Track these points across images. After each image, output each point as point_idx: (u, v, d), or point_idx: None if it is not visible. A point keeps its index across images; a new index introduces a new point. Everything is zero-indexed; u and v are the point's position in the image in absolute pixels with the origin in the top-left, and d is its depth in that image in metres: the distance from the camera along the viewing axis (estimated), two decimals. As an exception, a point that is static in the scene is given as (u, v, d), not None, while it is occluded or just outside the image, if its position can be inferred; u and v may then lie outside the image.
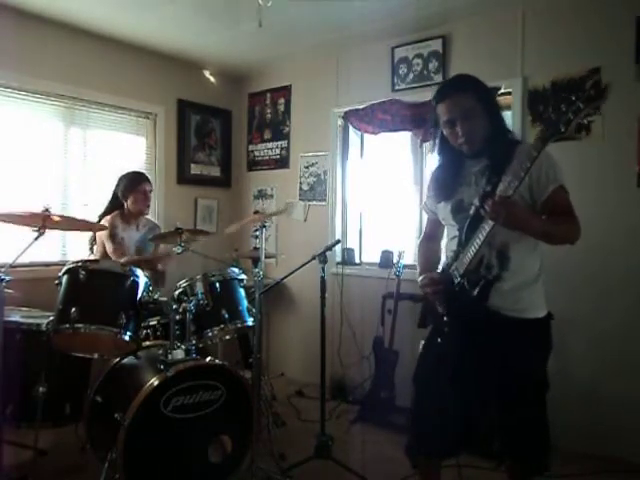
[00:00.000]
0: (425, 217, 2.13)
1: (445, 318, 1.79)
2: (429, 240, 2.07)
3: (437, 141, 1.90)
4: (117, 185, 3.25)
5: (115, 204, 3.24)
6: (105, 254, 3.14)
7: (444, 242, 1.98)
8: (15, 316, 2.54)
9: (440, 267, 1.91)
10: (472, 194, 1.76)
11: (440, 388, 1.80)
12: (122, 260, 2.97)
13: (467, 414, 1.81)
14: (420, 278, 1.88)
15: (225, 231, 2.73)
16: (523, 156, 1.56)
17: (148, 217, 3.40)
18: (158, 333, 2.63)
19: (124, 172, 3.30)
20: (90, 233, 3.21)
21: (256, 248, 3.15)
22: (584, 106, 1.47)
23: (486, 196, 1.64)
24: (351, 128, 4.12)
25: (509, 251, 1.72)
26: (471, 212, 1.73)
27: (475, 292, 1.70)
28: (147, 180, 3.28)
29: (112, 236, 3.12)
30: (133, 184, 3.20)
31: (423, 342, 2.16)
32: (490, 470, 2.51)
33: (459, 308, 1.76)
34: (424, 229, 2.13)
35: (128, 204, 3.20)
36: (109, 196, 3.29)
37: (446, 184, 1.88)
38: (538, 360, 1.77)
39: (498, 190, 1.63)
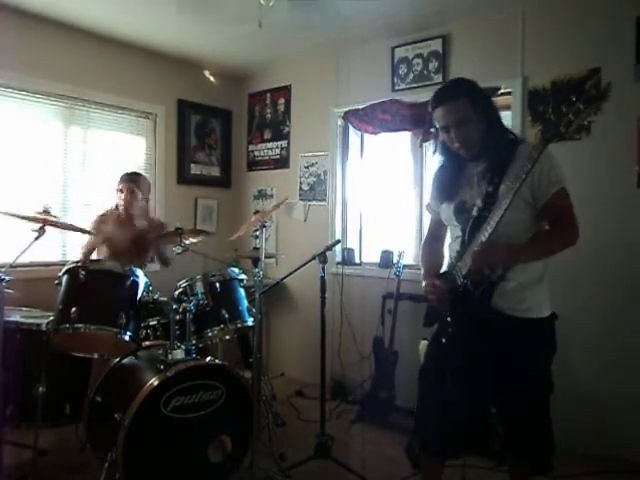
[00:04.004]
0: (425, 217, 2.13)
1: (449, 319, 1.80)
2: (433, 240, 2.07)
3: (438, 143, 1.91)
4: None
5: None
6: (90, 252, 3.21)
7: (447, 242, 1.99)
8: (15, 316, 2.55)
9: (444, 267, 1.92)
10: (474, 195, 1.77)
11: (445, 388, 1.80)
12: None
13: (471, 414, 1.81)
14: (423, 283, 1.89)
15: (230, 238, 2.75)
16: (524, 158, 1.56)
17: (152, 216, 3.42)
18: (158, 333, 2.63)
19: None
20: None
21: (256, 248, 3.15)
22: (584, 107, 1.46)
23: (489, 196, 1.64)
24: (351, 128, 4.12)
25: None
26: (474, 213, 1.73)
27: (478, 293, 1.70)
28: (129, 179, 3.22)
29: (99, 231, 3.16)
30: (118, 183, 3.22)
31: (423, 342, 2.15)
32: (490, 470, 2.51)
33: (463, 308, 1.76)
34: (428, 229, 2.12)
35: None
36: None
37: (448, 185, 1.88)
38: (542, 360, 1.77)
39: (500, 191, 1.64)
